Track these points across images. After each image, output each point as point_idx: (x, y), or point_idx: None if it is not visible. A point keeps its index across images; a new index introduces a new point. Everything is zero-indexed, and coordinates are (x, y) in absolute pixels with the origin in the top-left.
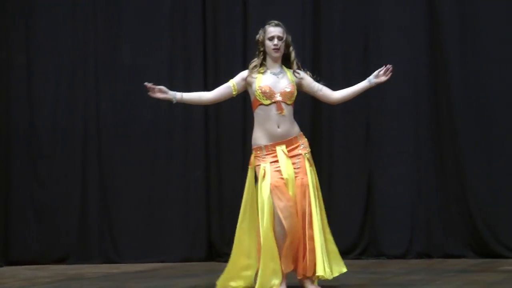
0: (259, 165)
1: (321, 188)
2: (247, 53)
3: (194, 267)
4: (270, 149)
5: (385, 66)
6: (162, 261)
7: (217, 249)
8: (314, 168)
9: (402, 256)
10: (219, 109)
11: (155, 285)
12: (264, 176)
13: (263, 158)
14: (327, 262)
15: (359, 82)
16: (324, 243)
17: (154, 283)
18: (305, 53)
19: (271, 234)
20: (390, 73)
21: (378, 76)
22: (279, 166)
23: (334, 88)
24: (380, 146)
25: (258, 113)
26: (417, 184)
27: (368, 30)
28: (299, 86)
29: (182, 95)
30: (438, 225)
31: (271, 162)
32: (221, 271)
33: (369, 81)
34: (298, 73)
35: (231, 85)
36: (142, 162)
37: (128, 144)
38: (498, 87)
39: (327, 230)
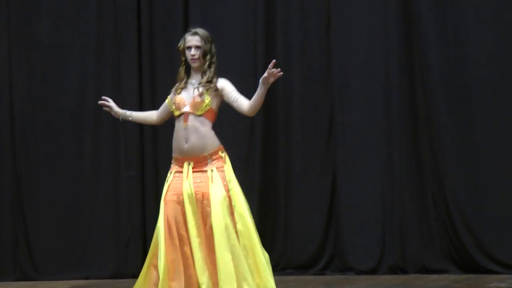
0: (169, 171)
1: (277, 191)
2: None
3: (126, 284)
4: (179, 161)
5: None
6: (87, 278)
7: None
8: (231, 180)
9: (373, 271)
10: (155, 99)
11: None
12: (166, 184)
13: (172, 165)
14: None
15: (321, 64)
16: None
17: None
18: (257, 32)
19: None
20: (279, 72)
21: (269, 76)
22: (181, 179)
23: (292, 75)
24: (346, 142)
25: (175, 124)
26: (389, 186)
27: (331, 5)
28: (220, 97)
29: (131, 114)
30: (414, 235)
31: (175, 172)
32: None
33: (260, 87)
34: (211, 83)
35: (167, 102)
36: (65, 160)
37: (48, 138)
38: (481, 74)
39: (251, 243)
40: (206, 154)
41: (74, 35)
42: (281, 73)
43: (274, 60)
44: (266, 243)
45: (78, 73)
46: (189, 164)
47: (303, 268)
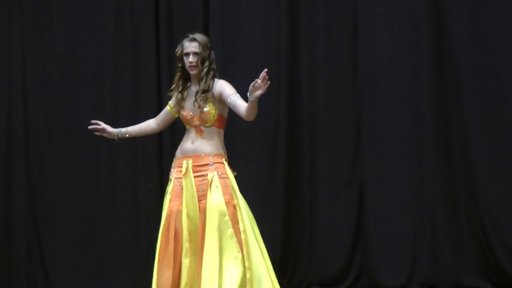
0: (170, 178)
1: (302, 204)
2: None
3: None
4: (178, 162)
5: (263, 73)
6: None
7: None
8: (236, 190)
9: None
10: None
11: None
12: (167, 193)
13: (172, 170)
14: None
15: (348, 74)
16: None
17: None
18: (281, 39)
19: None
20: (268, 81)
21: (254, 89)
22: (181, 185)
23: (317, 83)
24: (374, 153)
25: (186, 132)
26: (419, 199)
27: (358, 11)
28: (220, 101)
29: (126, 130)
30: (446, 250)
31: (176, 178)
32: None
33: (249, 99)
34: (208, 92)
35: (168, 108)
36: (81, 171)
37: (63, 149)
38: None
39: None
40: (208, 153)
41: (89, 42)
42: (268, 83)
43: (266, 70)
44: (291, 258)
45: (94, 81)
46: (187, 162)
47: (329, 284)
